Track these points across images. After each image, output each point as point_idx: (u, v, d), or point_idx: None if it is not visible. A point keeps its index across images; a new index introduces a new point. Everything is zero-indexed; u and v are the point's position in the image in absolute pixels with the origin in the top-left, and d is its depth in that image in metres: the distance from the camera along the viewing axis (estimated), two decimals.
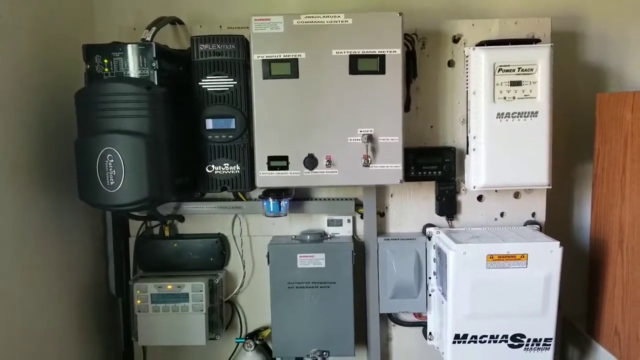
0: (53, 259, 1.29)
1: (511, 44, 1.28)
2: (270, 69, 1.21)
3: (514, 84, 1.27)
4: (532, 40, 1.33)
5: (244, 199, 1.44)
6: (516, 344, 1.28)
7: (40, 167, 1.25)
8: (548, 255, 1.24)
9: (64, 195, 1.31)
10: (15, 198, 1.16)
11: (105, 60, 1.19)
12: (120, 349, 1.51)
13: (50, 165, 1.28)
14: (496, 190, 1.43)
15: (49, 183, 1.27)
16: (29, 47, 1.22)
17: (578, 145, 1.53)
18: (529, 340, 1.28)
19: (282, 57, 1.21)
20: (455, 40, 1.40)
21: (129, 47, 1.19)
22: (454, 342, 1.28)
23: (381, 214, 1.47)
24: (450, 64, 1.42)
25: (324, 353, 1.38)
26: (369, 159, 1.21)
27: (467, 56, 1.32)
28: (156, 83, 1.19)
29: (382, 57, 1.20)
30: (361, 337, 1.47)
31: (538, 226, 1.43)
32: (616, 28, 1.52)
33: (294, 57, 1.21)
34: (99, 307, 1.49)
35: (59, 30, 1.34)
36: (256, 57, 1.21)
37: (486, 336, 1.28)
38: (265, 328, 1.49)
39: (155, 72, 1.19)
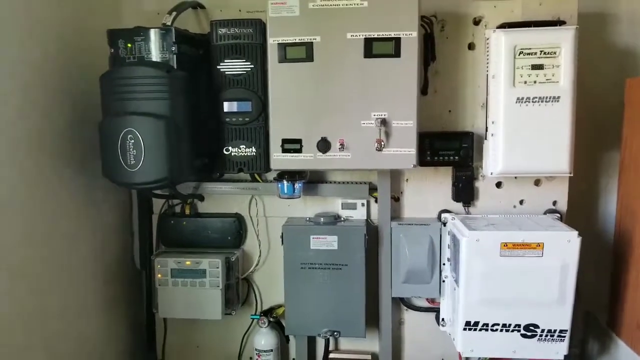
0: (84, 233, 1.37)
1: (534, 26, 1.24)
2: (285, 52, 1.22)
3: (536, 67, 1.23)
4: (557, 22, 1.27)
5: (260, 180, 1.47)
6: (529, 334, 1.26)
7: (73, 147, 1.31)
8: (565, 245, 1.21)
9: (95, 175, 1.37)
10: (49, 177, 1.23)
11: (128, 45, 1.24)
12: (142, 320, 1.59)
13: (82, 145, 1.34)
14: (516, 177, 1.40)
15: (81, 163, 1.34)
16: (59, 32, 1.28)
17: (604, 132, 1.46)
18: (542, 330, 1.26)
19: (297, 40, 1.21)
20: (476, 22, 1.37)
21: (150, 32, 1.23)
22: (464, 329, 1.28)
23: (396, 199, 1.46)
24: (471, 46, 1.38)
25: (335, 333, 1.41)
26: (382, 143, 1.21)
27: (487, 39, 1.28)
28: (175, 67, 1.23)
29: (397, 40, 1.19)
30: (374, 320, 1.48)
31: (558, 215, 1.39)
32: None
33: (309, 40, 1.21)
34: (125, 280, 1.57)
35: (87, 13, 1.39)
36: (272, 41, 1.22)
37: (498, 324, 1.27)
38: (280, 306, 1.53)
39: (175, 56, 1.23)
